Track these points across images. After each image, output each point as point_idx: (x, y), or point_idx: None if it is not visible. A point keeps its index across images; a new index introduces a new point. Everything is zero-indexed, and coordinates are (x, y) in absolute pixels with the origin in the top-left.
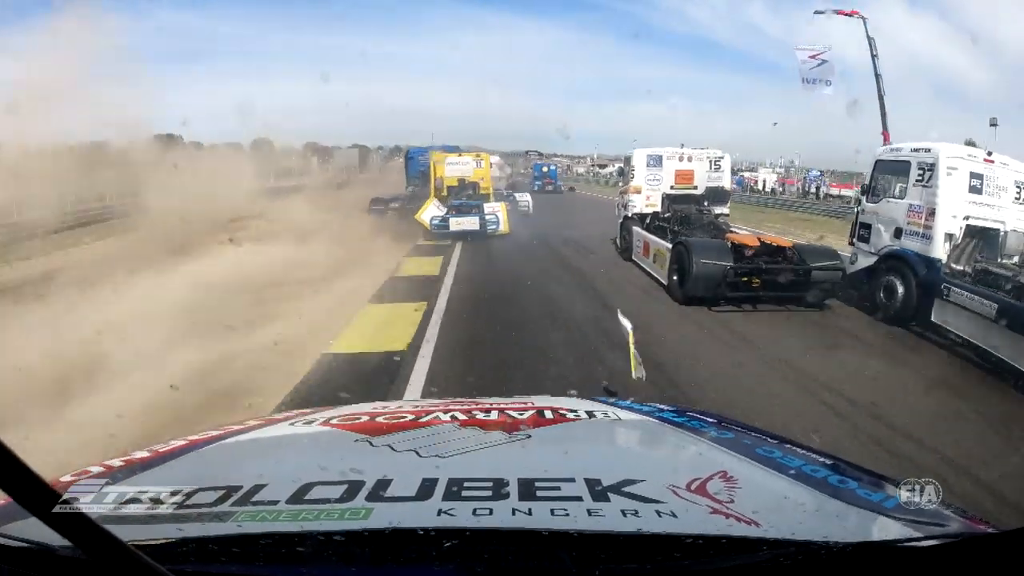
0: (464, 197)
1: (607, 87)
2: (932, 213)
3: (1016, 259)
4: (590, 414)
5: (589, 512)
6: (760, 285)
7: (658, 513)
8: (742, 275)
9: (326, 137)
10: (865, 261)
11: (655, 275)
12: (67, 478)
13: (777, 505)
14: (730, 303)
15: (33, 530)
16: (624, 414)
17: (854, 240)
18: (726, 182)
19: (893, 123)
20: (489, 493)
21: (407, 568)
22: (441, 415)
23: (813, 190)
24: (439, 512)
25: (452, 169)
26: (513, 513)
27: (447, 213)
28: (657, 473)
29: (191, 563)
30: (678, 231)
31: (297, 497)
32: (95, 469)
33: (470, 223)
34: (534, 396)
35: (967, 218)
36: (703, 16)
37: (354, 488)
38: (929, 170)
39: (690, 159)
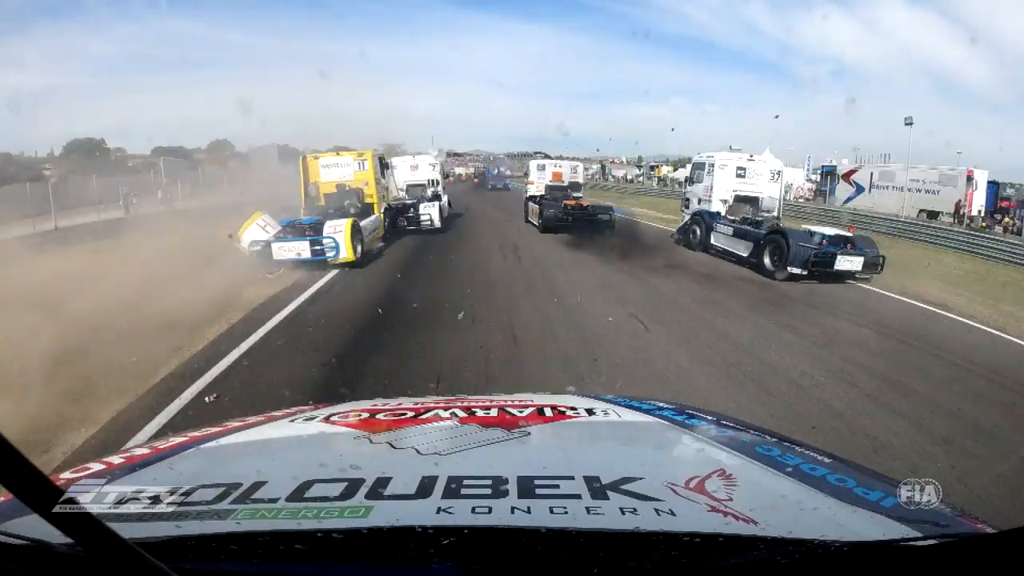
0: (332, 209)
1: (616, 90)
2: (711, 189)
3: (773, 212)
4: (589, 412)
5: (588, 510)
6: (572, 221)
7: (657, 511)
8: (562, 217)
9: (317, 141)
10: (685, 219)
11: (535, 223)
12: (67, 475)
13: (775, 503)
14: (560, 231)
15: (32, 527)
16: (623, 412)
17: (683, 208)
18: (580, 178)
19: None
20: (488, 491)
21: (406, 566)
22: (441, 412)
23: None
24: (438, 510)
25: (328, 172)
26: (512, 511)
27: (274, 236)
28: (656, 471)
29: (190, 561)
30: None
31: (297, 495)
32: (95, 467)
33: (298, 250)
34: (534, 394)
35: (735, 191)
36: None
37: (353, 486)
38: (712, 166)
39: (560, 165)
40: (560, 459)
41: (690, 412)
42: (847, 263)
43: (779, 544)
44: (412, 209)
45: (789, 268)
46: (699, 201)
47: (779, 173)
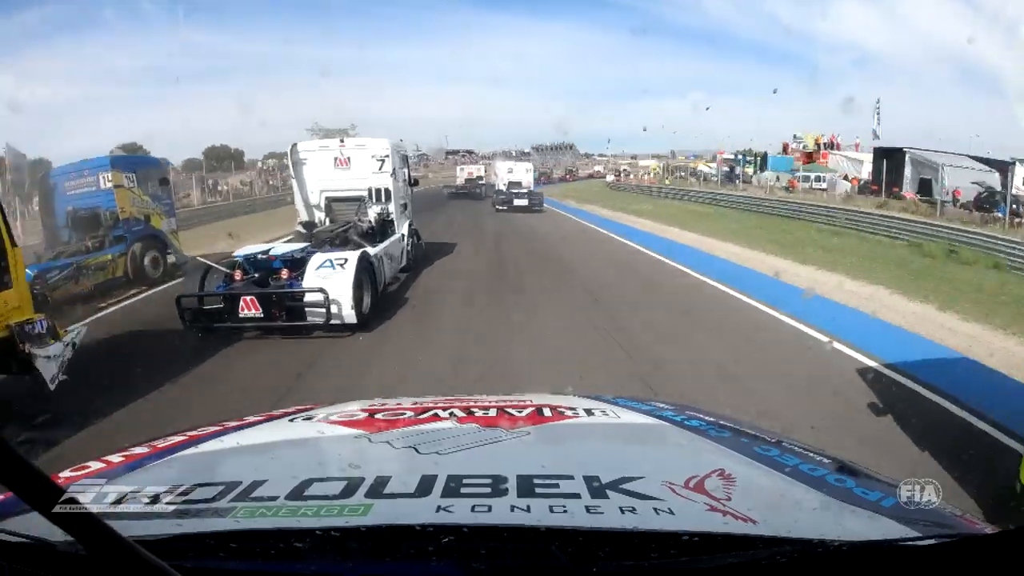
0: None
1: (644, 87)
2: (497, 178)
3: (531, 186)
4: (588, 412)
5: (587, 509)
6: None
7: (656, 510)
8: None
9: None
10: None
11: None
12: (67, 474)
13: (774, 503)
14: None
15: (33, 526)
16: (622, 412)
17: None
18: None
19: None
20: (488, 490)
21: (405, 564)
22: (440, 412)
23: None
24: (438, 508)
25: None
26: (512, 510)
27: None
28: (655, 470)
29: (190, 558)
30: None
31: (296, 493)
32: (95, 465)
33: None
34: (533, 394)
35: (508, 180)
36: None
37: (353, 484)
38: (495, 169)
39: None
40: (559, 458)
41: (689, 413)
42: (519, 202)
43: (778, 543)
44: (280, 278)
45: (497, 207)
46: (496, 184)
47: (529, 169)
